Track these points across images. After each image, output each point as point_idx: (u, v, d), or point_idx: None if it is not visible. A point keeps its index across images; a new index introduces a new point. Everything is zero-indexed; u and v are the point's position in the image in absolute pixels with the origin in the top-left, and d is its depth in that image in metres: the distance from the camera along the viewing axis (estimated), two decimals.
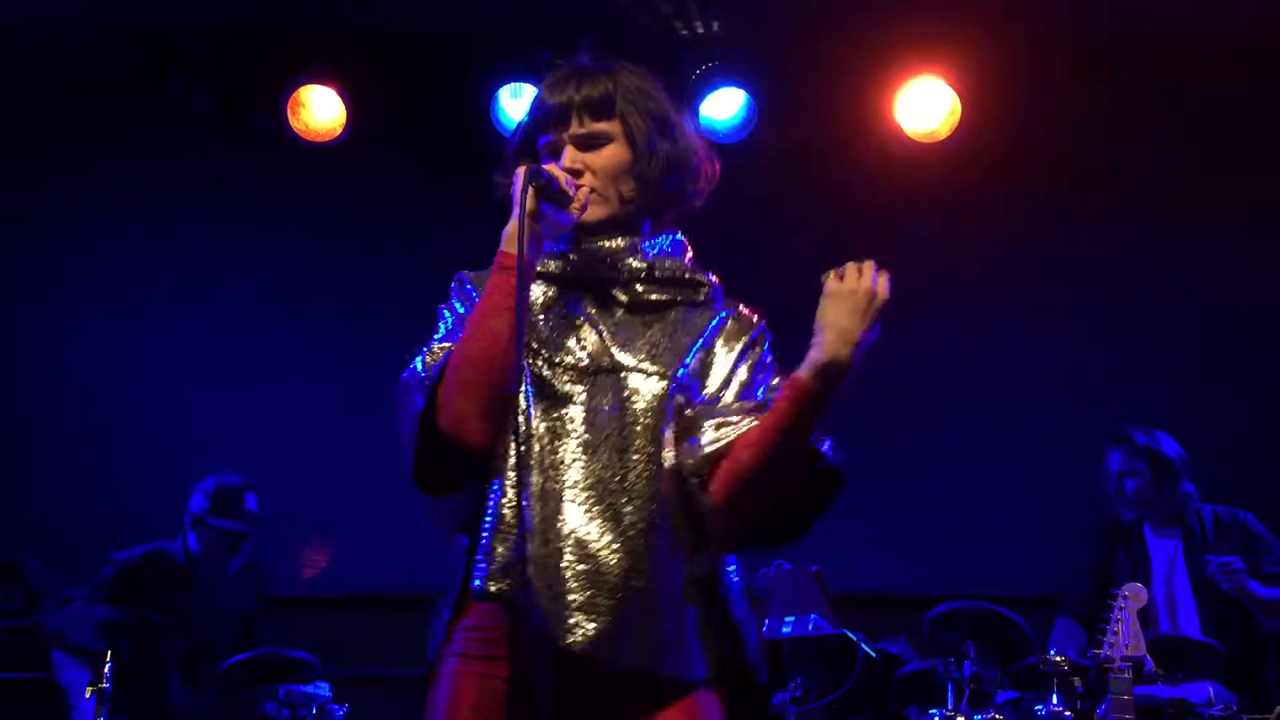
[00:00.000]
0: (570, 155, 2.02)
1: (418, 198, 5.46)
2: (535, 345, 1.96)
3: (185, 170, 5.41)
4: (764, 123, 5.11)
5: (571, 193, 1.94)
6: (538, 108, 2.07)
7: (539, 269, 2.01)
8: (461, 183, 5.37)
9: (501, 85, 5.12)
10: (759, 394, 1.98)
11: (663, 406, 1.91)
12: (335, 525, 5.29)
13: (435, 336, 2.02)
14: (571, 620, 1.80)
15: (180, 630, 4.23)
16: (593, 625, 1.80)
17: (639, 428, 1.90)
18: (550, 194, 1.91)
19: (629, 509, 1.86)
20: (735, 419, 1.93)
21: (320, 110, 5.12)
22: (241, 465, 4.67)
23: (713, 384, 1.98)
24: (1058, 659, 3.58)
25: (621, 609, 1.82)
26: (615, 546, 1.84)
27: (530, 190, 1.88)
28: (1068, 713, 3.60)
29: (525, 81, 5.11)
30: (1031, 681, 3.80)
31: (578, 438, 1.89)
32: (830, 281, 1.90)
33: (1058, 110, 5.23)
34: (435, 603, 1.98)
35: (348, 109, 5.12)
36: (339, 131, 5.13)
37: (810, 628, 4.08)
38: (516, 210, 1.89)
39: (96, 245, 5.52)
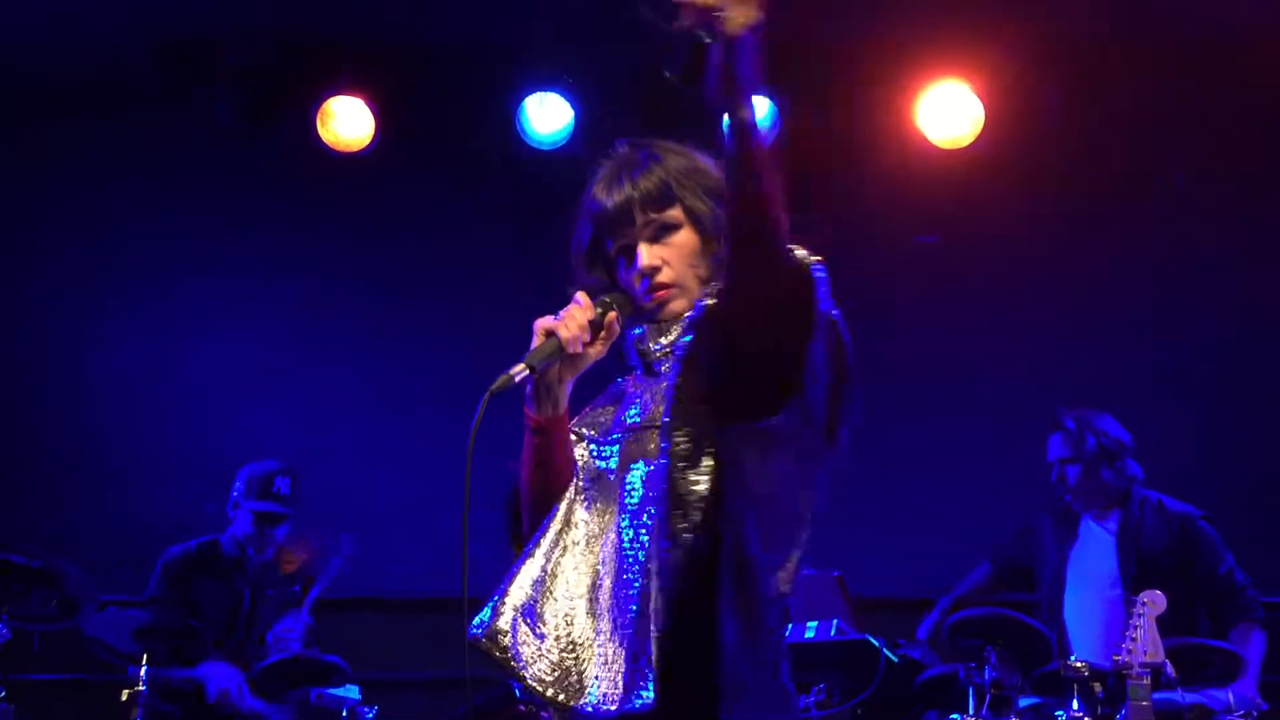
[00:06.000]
0: (646, 254, 2.00)
1: (444, 205, 5.53)
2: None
3: (216, 180, 5.49)
4: (786, 130, 5.14)
5: (567, 340, 1.94)
6: (596, 211, 2.04)
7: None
8: (487, 191, 5.49)
9: (527, 95, 5.18)
10: None
11: (656, 449, 1.91)
12: (365, 529, 5.35)
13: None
14: (536, 665, 1.88)
15: (230, 617, 4.39)
16: (551, 671, 1.87)
17: (633, 479, 1.93)
18: (559, 358, 1.96)
19: (615, 560, 1.89)
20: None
21: (348, 121, 5.19)
22: None
23: None
24: (1078, 665, 3.61)
25: (581, 654, 1.88)
26: (590, 597, 1.90)
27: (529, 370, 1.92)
28: (1088, 718, 3.61)
29: (550, 91, 5.17)
30: (1052, 687, 3.81)
31: (587, 495, 1.97)
32: None
33: (1084, 116, 5.22)
34: None
35: (375, 119, 5.19)
36: (367, 142, 5.20)
37: (833, 632, 4.11)
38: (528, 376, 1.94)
39: (130, 254, 5.60)
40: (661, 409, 1.91)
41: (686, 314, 1.99)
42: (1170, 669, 3.37)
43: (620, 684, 1.82)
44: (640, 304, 2.03)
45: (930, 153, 5.21)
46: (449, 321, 5.40)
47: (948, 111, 5.15)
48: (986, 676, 3.77)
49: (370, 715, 4.15)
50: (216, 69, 5.16)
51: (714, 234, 2.00)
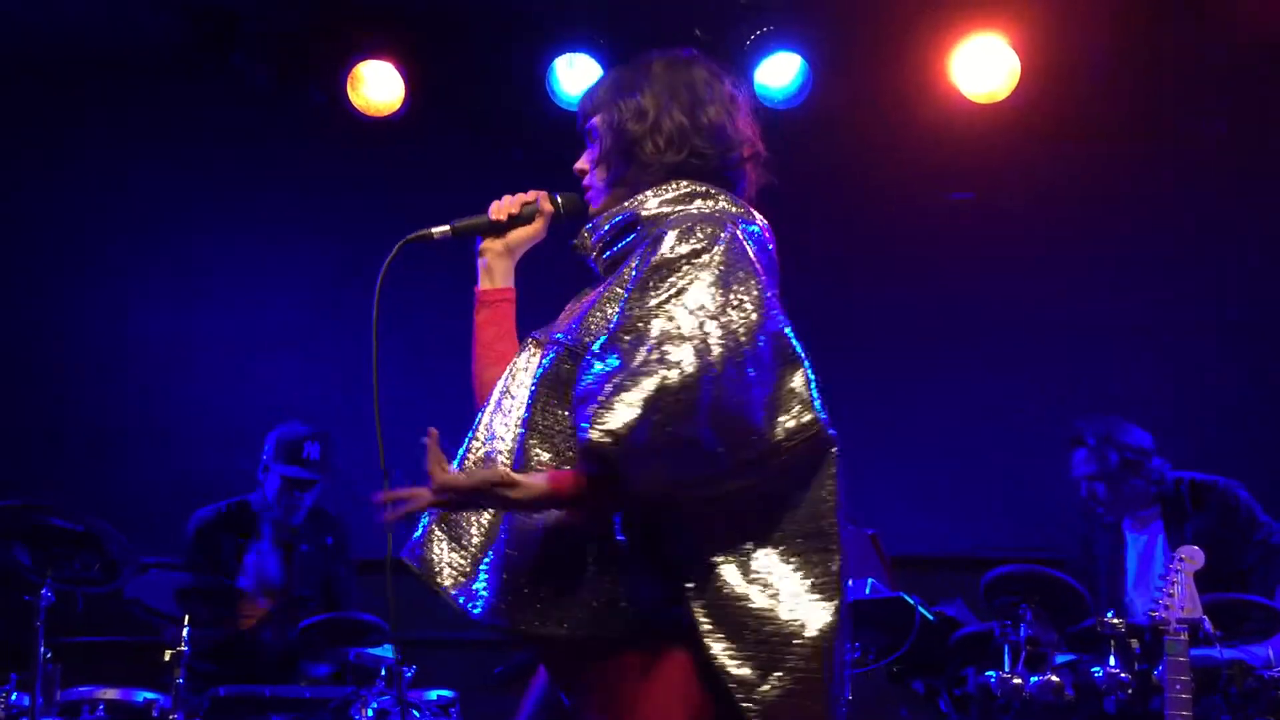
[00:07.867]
0: (582, 159, 2.23)
1: (475, 168, 5.51)
2: None
3: (249, 145, 5.51)
4: (819, 88, 5.08)
5: (492, 208, 2.27)
6: None
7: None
8: (517, 154, 5.47)
9: (557, 56, 5.14)
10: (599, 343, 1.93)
11: (532, 371, 2.01)
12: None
13: None
14: (439, 567, 1.99)
15: (264, 575, 4.50)
16: (449, 578, 1.97)
17: (511, 394, 2.04)
18: (486, 228, 2.25)
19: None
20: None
21: (378, 85, 5.18)
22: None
23: (588, 330, 1.99)
24: (1115, 621, 3.59)
25: (473, 563, 1.96)
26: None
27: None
28: (1125, 674, 3.60)
29: (580, 52, 5.14)
30: (1088, 644, 3.80)
31: (501, 395, 2.07)
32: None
33: (1122, 67, 5.12)
34: None
35: (405, 83, 5.18)
36: (398, 106, 5.19)
37: (868, 591, 4.11)
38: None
39: (164, 219, 5.63)
40: (553, 329, 2.06)
41: (614, 212, 2.12)
42: (1208, 624, 3.35)
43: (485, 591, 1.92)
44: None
45: (965, 107, 5.14)
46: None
47: (983, 65, 5.07)
48: (1022, 633, 3.76)
49: (408, 674, 4.19)
50: (248, 34, 5.16)
51: (608, 129, 2.16)
